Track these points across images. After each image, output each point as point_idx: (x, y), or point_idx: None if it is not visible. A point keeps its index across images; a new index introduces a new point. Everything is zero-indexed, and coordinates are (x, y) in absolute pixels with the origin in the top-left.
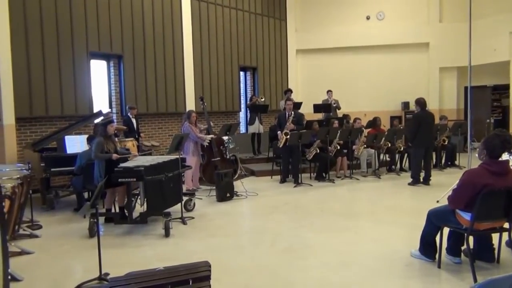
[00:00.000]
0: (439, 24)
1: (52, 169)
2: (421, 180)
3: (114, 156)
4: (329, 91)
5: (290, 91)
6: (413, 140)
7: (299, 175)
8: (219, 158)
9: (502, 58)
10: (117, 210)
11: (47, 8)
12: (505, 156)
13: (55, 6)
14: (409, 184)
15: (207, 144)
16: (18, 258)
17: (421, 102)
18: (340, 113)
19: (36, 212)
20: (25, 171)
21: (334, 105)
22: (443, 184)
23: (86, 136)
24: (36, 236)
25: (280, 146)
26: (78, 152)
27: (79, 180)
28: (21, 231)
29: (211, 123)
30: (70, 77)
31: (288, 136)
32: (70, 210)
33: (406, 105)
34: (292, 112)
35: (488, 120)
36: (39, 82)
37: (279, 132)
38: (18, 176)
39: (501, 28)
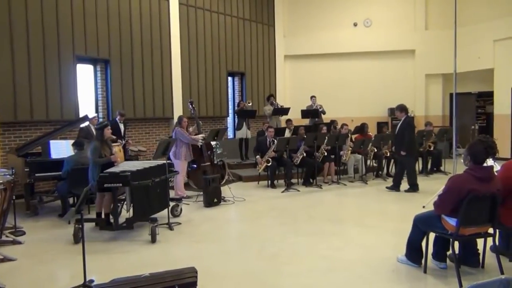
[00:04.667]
0: (425, 32)
1: (37, 174)
2: (400, 185)
3: (113, 157)
4: (313, 97)
5: (273, 96)
6: (409, 148)
7: (289, 180)
8: (209, 163)
9: (487, 65)
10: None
11: (33, 11)
12: (489, 162)
13: (41, 9)
14: (406, 191)
15: (201, 144)
16: (0, 265)
17: (406, 108)
18: (327, 119)
19: (19, 218)
20: (8, 176)
21: (320, 110)
22: (429, 190)
23: (71, 141)
24: (19, 243)
25: (259, 171)
26: (63, 157)
27: (64, 186)
28: (3, 238)
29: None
30: (56, 81)
31: (269, 164)
32: (54, 216)
33: (392, 111)
34: (274, 140)
35: (472, 127)
36: (24, 86)
37: (258, 157)
38: (1, 181)
39: (485, 36)
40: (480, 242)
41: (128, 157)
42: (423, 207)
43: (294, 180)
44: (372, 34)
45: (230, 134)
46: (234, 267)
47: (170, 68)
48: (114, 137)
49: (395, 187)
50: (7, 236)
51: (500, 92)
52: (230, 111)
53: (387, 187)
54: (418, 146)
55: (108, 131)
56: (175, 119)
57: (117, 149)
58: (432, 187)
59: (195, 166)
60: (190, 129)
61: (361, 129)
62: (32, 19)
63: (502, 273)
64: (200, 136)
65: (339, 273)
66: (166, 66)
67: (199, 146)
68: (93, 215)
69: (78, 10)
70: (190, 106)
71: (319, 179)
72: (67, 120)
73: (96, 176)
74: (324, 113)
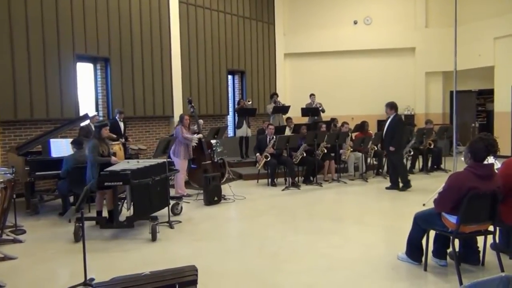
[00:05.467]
0: (425, 29)
1: (37, 173)
2: (399, 183)
3: (113, 159)
4: (312, 95)
5: (276, 94)
6: (398, 144)
7: (288, 178)
8: (210, 162)
9: (487, 63)
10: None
11: (33, 9)
12: (490, 160)
13: (40, 8)
14: (401, 190)
15: (195, 144)
16: (1, 263)
17: (396, 106)
18: (327, 117)
19: (20, 217)
20: (8, 175)
21: (320, 108)
22: (429, 188)
23: (71, 140)
24: (20, 241)
25: (259, 168)
26: (63, 156)
27: (64, 184)
28: (4, 236)
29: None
30: (56, 79)
31: (268, 159)
32: (55, 215)
33: None
34: (274, 137)
35: (473, 124)
36: (24, 84)
37: (258, 154)
38: (1, 180)
39: (485, 33)
40: (480, 239)
41: (128, 156)
42: (424, 205)
43: (295, 179)
44: (372, 32)
45: (230, 133)
46: (234, 265)
47: (170, 66)
48: (115, 136)
49: (394, 186)
50: (7, 235)
51: (501, 90)
52: (230, 109)
53: (387, 188)
54: (418, 144)
55: (105, 131)
56: (175, 118)
57: (117, 147)
58: (432, 185)
59: (195, 166)
60: (195, 127)
61: (362, 127)
62: (32, 17)
63: (502, 270)
64: (195, 136)
65: (339, 271)
66: (166, 65)
67: (196, 144)
68: (93, 214)
69: (78, 8)
70: (189, 104)
71: (319, 177)
72: (67, 119)
73: (95, 174)
74: (323, 111)
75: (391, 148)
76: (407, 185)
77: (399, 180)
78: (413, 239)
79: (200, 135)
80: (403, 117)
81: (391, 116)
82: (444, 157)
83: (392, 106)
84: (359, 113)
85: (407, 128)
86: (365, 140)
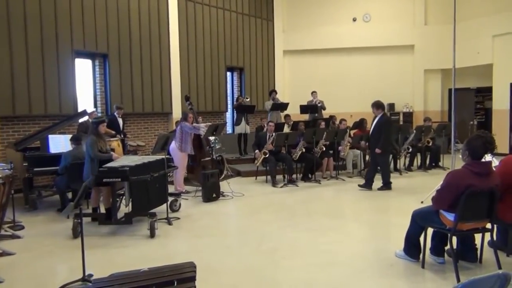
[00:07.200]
0: (424, 27)
1: (35, 169)
2: (372, 183)
3: (114, 156)
4: (313, 92)
5: (275, 91)
6: (384, 146)
7: (286, 175)
8: (209, 158)
9: (485, 61)
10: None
11: (31, 5)
12: (487, 157)
13: (39, 4)
14: (379, 189)
15: (204, 131)
16: None
17: (383, 105)
18: (326, 114)
19: (18, 213)
20: (7, 170)
21: (319, 105)
22: (427, 185)
23: (70, 136)
24: (18, 237)
25: (257, 164)
26: (61, 152)
27: (62, 180)
28: (2, 232)
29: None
30: (54, 75)
31: (267, 155)
32: (53, 211)
33: (391, 106)
34: (274, 134)
35: (471, 122)
36: (23, 80)
37: (257, 151)
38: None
39: (484, 31)
40: (478, 237)
41: (126, 153)
42: (422, 202)
43: (293, 176)
44: (371, 29)
45: (229, 129)
46: (233, 262)
47: (169, 63)
48: (113, 132)
49: (367, 185)
50: (6, 231)
51: (499, 88)
52: (229, 106)
53: (359, 185)
54: (417, 141)
55: (103, 128)
56: (174, 114)
57: (115, 143)
58: (430, 183)
59: (192, 163)
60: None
61: (360, 124)
62: (30, 13)
63: (499, 268)
64: (202, 124)
65: (338, 267)
66: (164, 61)
67: (200, 137)
68: (91, 210)
69: (76, 4)
70: (187, 102)
71: (317, 175)
72: (66, 115)
73: (95, 171)
74: (324, 108)
75: (377, 151)
76: (387, 186)
77: (381, 180)
78: (411, 236)
79: (208, 123)
80: (401, 114)
81: (378, 116)
82: (443, 154)
83: (378, 105)
84: (357, 111)
85: (405, 125)
86: (364, 138)
